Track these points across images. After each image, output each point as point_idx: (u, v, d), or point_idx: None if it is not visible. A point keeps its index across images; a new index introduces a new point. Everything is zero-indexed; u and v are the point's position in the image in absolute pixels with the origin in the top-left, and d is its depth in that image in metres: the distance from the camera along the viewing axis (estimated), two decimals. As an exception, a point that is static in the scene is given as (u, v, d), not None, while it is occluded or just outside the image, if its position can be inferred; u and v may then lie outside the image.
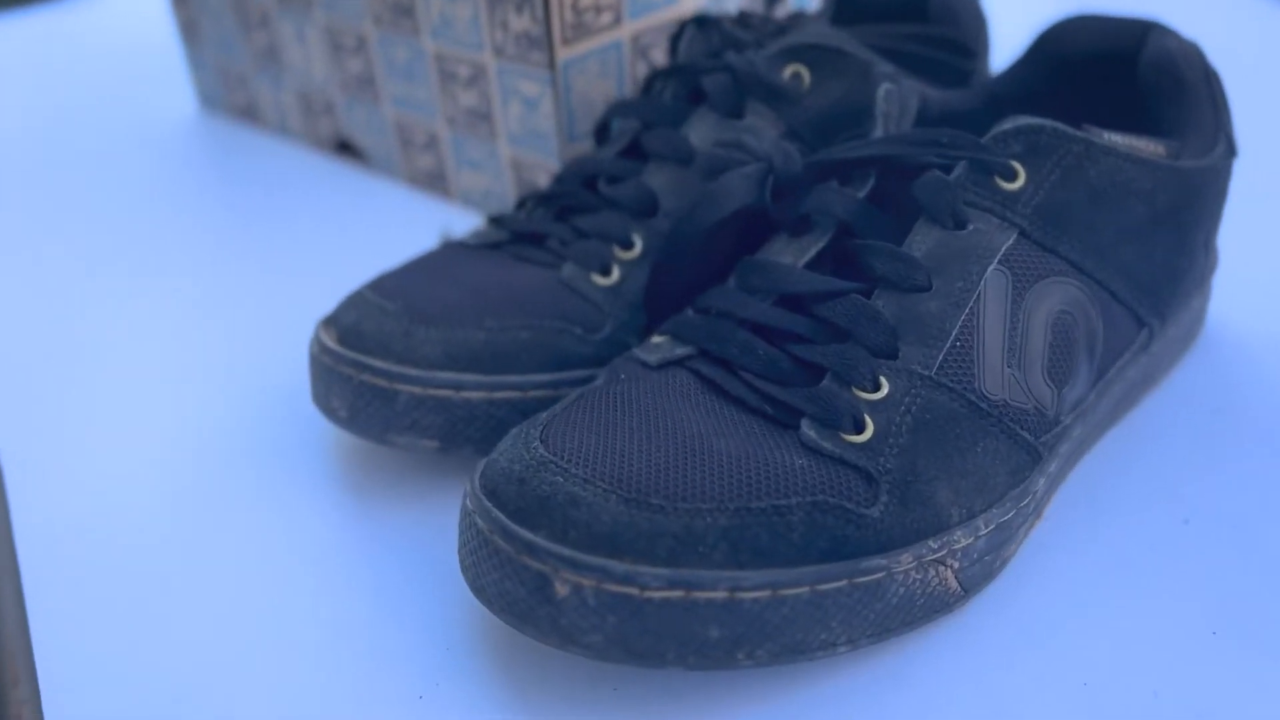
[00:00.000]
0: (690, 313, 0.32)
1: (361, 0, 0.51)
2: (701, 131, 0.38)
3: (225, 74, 0.64)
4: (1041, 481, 0.31)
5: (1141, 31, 0.37)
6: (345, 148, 0.59)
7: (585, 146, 0.48)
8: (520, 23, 0.45)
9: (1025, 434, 0.30)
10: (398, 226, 0.53)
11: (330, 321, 0.35)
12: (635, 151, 0.40)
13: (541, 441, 0.28)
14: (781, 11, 0.52)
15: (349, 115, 0.57)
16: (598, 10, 0.45)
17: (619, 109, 0.40)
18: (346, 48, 0.54)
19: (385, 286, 0.36)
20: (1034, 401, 0.30)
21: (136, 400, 0.41)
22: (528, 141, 0.48)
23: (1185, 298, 0.36)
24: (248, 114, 0.64)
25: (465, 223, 0.53)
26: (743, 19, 0.43)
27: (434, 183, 0.55)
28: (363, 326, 0.34)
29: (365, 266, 0.50)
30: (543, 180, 0.49)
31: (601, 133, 0.41)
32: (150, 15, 0.85)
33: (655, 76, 0.40)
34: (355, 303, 0.35)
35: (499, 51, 0.46)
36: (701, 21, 0.41)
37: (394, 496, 0.36)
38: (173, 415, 0.40)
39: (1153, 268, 0.33)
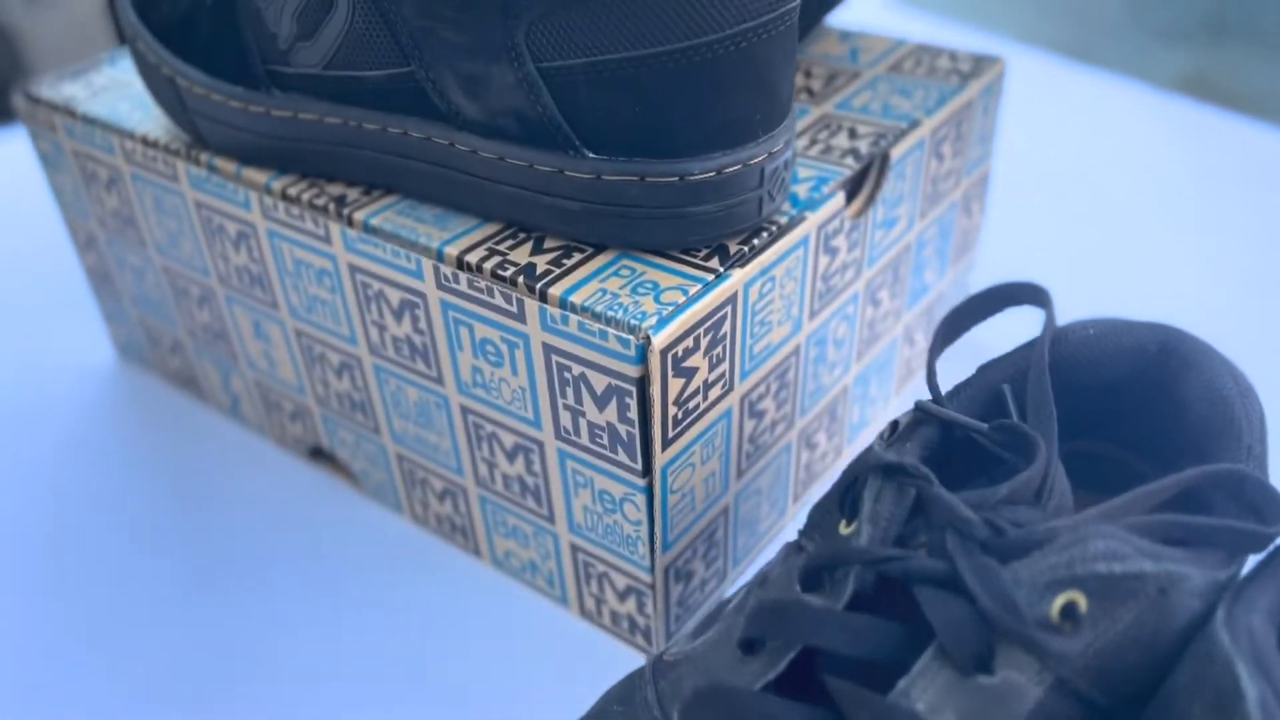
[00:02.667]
0: None
1: (351, 322, 0.37)
2: (932, 695, 0.25)
3: (152, 334, 0.49)
4: None
5: None
6: (321, 453, 0.45)
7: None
8: (603, 414, 0.31)
9: None
10: (402, 577, 0.40)
11: None
12: (804, 683, 0.27)
13: None
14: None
15: (332, 432, 0.43)
16: (705, 390, 0.32)
17: (769, 621, 0.27)
18: (329, 363, 0.40)
19: None
20: None
21: None
22: (601, 539, 0.35)
23: None
24: (183, 382, 0.49)
25: (498, 591, 0.39)
26: (933, 423, 0.30)
27: (455, 535, 0.41)
28: None
29: (358, 644, 0.36)
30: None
31: (750, 645, 0.28)
32: (50, 225, 0.69)
33: (825, 565, 0.27)
34: None
35: (565, 437, 0.33)
36: (891, 470, 0.28)
37: None
38: None
39: None
